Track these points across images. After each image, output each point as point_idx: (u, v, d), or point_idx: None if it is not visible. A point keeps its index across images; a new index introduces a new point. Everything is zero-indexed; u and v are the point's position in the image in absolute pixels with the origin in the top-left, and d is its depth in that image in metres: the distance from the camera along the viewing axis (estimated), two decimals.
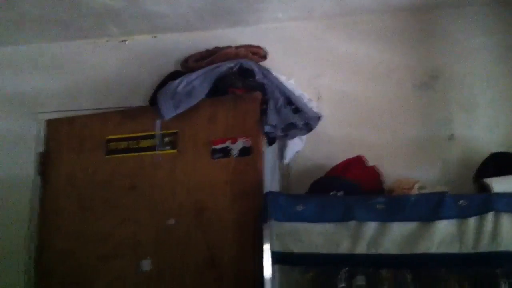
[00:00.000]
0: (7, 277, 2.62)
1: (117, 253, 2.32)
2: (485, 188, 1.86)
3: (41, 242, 2.53)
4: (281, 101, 2.25)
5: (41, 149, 2.65)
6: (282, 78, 2.40)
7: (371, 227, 1.76)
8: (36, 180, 2.64)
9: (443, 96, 2.42)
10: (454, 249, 1.70)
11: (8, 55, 2.93)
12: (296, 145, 2.40)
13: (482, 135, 2.32)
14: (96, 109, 2.64)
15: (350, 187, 2.02)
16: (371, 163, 2.25)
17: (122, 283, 2.29)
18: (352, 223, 1.78)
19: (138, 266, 2.27)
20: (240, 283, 2.07)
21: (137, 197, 2.35)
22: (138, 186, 2.36)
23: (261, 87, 2.27)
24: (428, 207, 1.75)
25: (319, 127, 2.35)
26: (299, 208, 1.83)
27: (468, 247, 1.69)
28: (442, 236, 1.71)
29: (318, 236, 1.80)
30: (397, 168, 2.28)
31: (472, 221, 1.70)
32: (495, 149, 2.16)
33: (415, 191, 1.98)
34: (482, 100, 2.38)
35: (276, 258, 1.83)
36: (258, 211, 2.02)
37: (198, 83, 2.30)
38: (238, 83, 2.32)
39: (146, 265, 2.26)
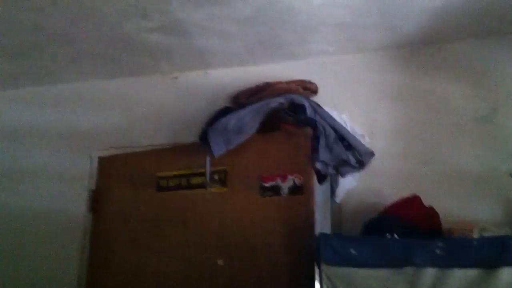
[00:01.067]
0: None
1: None
2: None
3: (91, 277, 2.57)
4: (332, 137, 2.20)
5: (93, 186, 2.71)
6: (334, 113, 2.35)
7: (429, 273, 1.66)
8: (88, 217, 2.69)
9: (504, 129, 2.30)
10: None
11: (64, 92, 3.02)
12: (348, 183, 2.34)
13: None
14: (149, 145, 2.68)
15: (407, 228, 1.92)
16: (427, 200, 2.13)
17: None
18: (409, 269, 1.69)
19: None
20: None
21: (186, 233, 2.35)
22: (188, 222, 2.36)
23: (312, 123, 2.23)
24: (492, 252, 1.64)
25: (372, 164, 2.29)
26: (353, 251, 1.75)
27: None
28: (507, 285, 1.59)
29: (373, 283, 1.71)
30: (455, 207, 2.18)
31: None
32: None
33: (476, 233, 1.86)
34: None
35: None
36: (310, 252, 1.96)
37: (249, 119, 2.28)
38: (289, 118, 2.30)
39: None
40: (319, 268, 1.79)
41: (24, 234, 2.84)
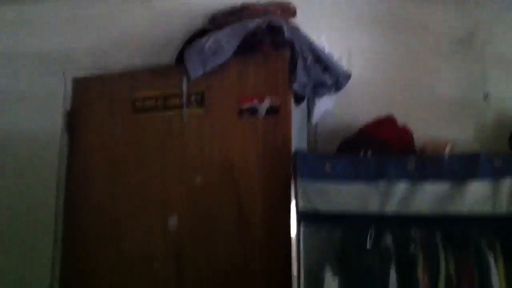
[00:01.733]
0: (36, 233, 2.68)
1: (146, 210, 2.37)
2: None
3: (69, 199, 2.60)
4: (310, 59, 2.22)
5: (68, 107, 2.70)
6: (312, 36, 2.35)
7: (402, 187, 1.75)
8: (64, 138, 2.69)
9: (481, 53, 2.34)
10: (487, 209, 1.68)
11: (35, 13, 2.92)
12: (324, 104, 2.38)
13: None
14: (125, 68, 2.64)
15: (381, 146, 1.99)
16: (401, 122, 2.21)
17: (150, 238, 2.35)
18: (382, 183, 1.77)
19: (165, 223, 2.32)
20: (269, 241, 2.09)
21: (165, 155, 2.38)
22: (166, 144, 2.39)
23: (290, 45, 2.23)
24: (461, 167, 1.73)
25: (349, 86, 2.33)
26: (328, 168, 1.82)
27: (501, 208, 1.67)
28: (475, 196, 1.69)
29: (347, 196, 1.81)
30: (429, 129, 2.24)
31: (507, 182, 1.68)
32: None
33: (447, 152, 1.94)
34: None
35: (303, 217, 1.85)
36: (286, 170, 2.03)
37: (226, 40, 2.27)
38: (267, 40, 2.29)
39: (173, 221, 2.31)
40: (295, 183, 1.85)
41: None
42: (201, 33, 2.45)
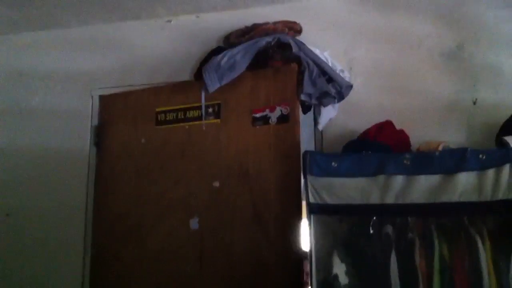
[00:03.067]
0: (68, 237, 2.89)
1: (169, 213, 2.58)
2: (504, 145, 2.02)
3: (98, 206, 2.81)
4: (315, 71, 2.43)
5: (96, 123, 2.94)
6: (317, 51, 2.56)
7: (398, 180, 1.96)
8: (92, 151, 2.92)
9: (469, 62, 2.54)
10: (474, 198, 1.88)
11: (64, 36, 3.17)
12: (329, 113, 2.57)
13: (506, 99, 2.43)
14: (147, 84, 2.87)
15: (381, 148, 2.20)
16: (399, 126, 2.41)
17: (174, 239, 2.55)
18: (381, 177, 1.98)
19: (188, 224, 2.52)
20: (283, 234, 2.31)
21: (186, 162, 2.60)
22: (187, 152, 2.61)
23: (297, 59, 2.46)
24: (451, 161, 1.93)
25: (352, 96, 2.51)
26: (334, 164, 2.03)
27: (487, 196, 1.87)
28: (464, 186, 1.89)
29: (351, 190, 2.00)
30: (424, 133, 2.42)
31: (490, 173, 1.88)
32: None
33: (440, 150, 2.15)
34: (507, 67, 2.49)
35: (313, 209, 2.05)
36: (297, 170, 2.25)
37: (240, 57, 2.49)
38: (276, 56, 2.52)
39: (194, 223, 2.52)
40: (306, 179, 2.07)
41: (32, 171, 3.04)
42: (217, 51, 2.66)
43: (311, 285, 2.01)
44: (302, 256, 2.27)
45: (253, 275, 2.37)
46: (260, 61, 2.53)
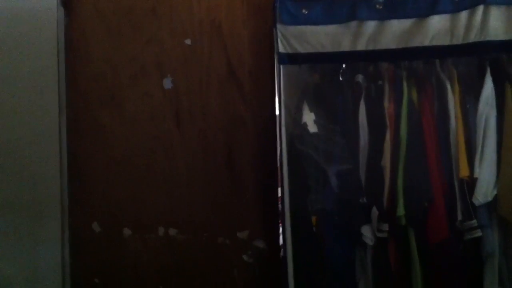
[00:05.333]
0: (42, 104, 2.77)
1: (142, 73, 2.54)
2: None
3: (71, 69, 2.73)
4: None
5: None
6: None
7: (371, 25, 1.91)
8: (60, 12, 2.79)
9: None
10: (446, 41, 1.85)
11: None
12: None
13: None
14: None
15: None
16: None
17: (149, 99, 2.54)
18: (354, 23, 1.93)
19: (162, 85, 2.51)
20: (258, 88, 2.34)
21: (157, 20, 2.51)
22: (158, 10, 2.52)
23: None
24: (424, 4, 1.87)
25: None
26: (304, 11, 1.97)
27: (458, 39, 1.84)
28: (436, 30, 1.85)
29: (322, 37, 1.96)
30: None
31: (463, 15, 1.83)
32: None
33: None
34: None
35: (283, 59, 2.02)
36: (269, 21, 2.18)
37: None
38: None
39: (168, 83, 2.50)
40: (275, 28, 2.02)
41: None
42: None
43: (280, 137, 2.03)
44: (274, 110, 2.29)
45: (229, 129, 2.41)
46: None
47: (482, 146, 1.83)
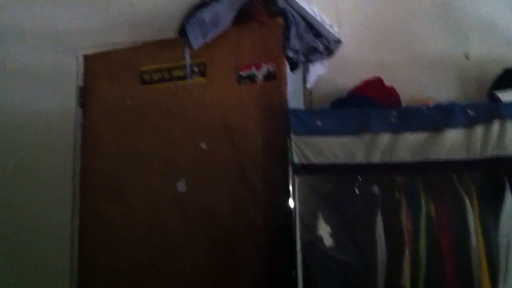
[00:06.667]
0: (55, 198, 2.89)
1: (155, 171, 2.53)
2: (495, 100, 1.95)
3: (84, 165, 2.75)
4: (302, 26, 2.34)
5: (80, 83, 2.86)
6: (304, 4, 2.46)
7: (384, 138, 1.89)
8: (78, 113, 2.86)
9: (461, 14, 2.44)
10: (462, 155, 1.82)
11: None
12: (318, 70, 2.49)
13: (500, 53, 2.34)
14: (131, 42, 2.78)
15: (369, 103, 2.13)
16: (390, 83, 2.33)
17: (158, 196, 2.50)
18: (367, 135, 1.92)
19: (171, 183, 2.48)
20: (270, 195, 2.26)
21: (171, 121, 2.52)
22: (171, 111, 2.53)
23: (283, 13, 2.35)
24: (439, 117, 1.86)
25: (341, 52, 2.43)
26: (318, 122, 1.97)
27: (475, 153, 1.81)
28: (451, 143, 1.83)
29: (335, 147, 1.94)
30: (414, 88, 2.36)
31: (479, 129, 1.81)
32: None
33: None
34: (499, 19, 2.39)
35: (297, 169, 1.99)
36: (283, 130, 2.17)
37: (224, 11, 2.39)
38: (261, 9, 2.41)
39: (181, 186, 2.47)
40: (289, 139, 2.01)
41: (18, 134, 2.99)
42: (200, 5, 2.52)
43: (296, 247, 1.97)
44: (289, 216, 2.23)
45: (241, 236, 2.33)
46: (245, 16, 2.42)
47: (506, 265, 1.75)
